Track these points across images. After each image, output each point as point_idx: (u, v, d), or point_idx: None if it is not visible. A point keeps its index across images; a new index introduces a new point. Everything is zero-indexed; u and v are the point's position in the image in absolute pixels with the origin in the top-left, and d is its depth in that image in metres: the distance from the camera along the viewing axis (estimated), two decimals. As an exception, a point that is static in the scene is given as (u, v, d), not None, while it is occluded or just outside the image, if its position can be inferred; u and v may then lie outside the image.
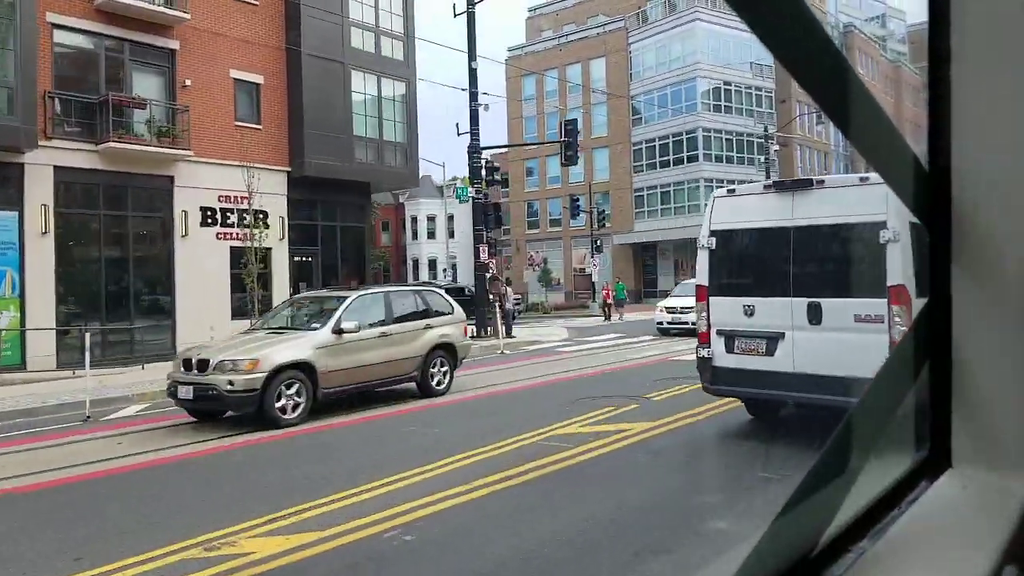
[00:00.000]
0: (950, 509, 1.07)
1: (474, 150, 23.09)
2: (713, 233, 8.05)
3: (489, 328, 23.63)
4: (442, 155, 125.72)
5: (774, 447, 8.11)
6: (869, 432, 0.99)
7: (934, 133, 1.08)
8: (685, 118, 47.74)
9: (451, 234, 61.17)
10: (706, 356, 8.12)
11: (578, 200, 42.16)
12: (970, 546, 0.99)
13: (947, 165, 1.07)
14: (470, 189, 23.07)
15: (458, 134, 23.44)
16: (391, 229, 68.02)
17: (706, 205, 8.32)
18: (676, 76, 48.63)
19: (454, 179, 46.88)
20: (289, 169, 22.94)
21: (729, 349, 7.97)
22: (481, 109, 22.90)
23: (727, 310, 7.97)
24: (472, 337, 23.33)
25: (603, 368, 15.87)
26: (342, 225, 24.69)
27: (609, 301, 35.34)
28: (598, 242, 43.74)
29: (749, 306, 7.80)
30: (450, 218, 61.72)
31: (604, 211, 45.36)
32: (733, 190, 8.38)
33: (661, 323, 22.95)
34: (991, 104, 1.04)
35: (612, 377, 14.44)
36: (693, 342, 9.00)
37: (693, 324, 10.10)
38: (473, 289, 32.40)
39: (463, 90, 23.40)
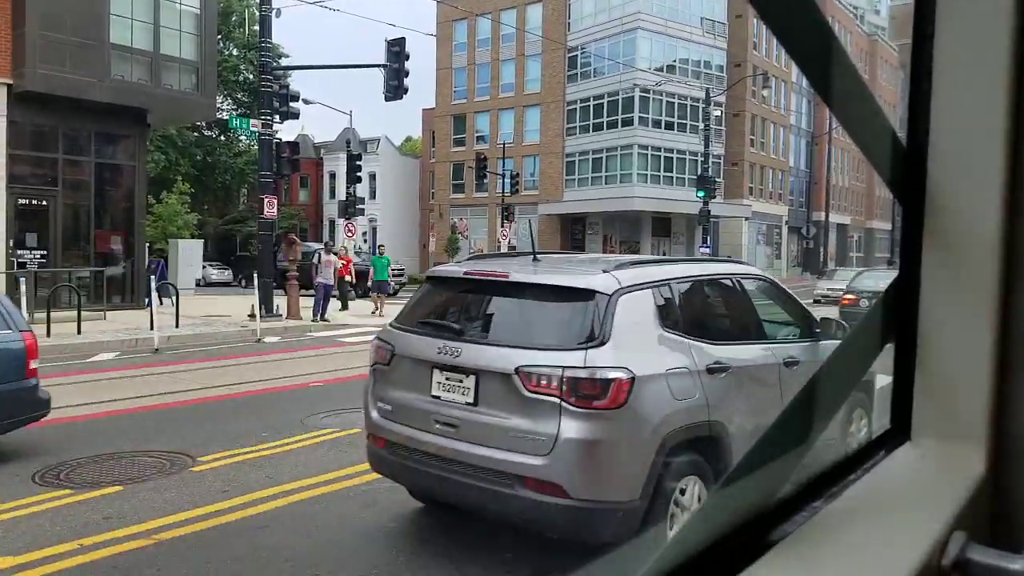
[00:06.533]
0: (905, 477, 1.08)
1: (265, 70, 17.43)
2: None
3: (279, 306, 18.18)
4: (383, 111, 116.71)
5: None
6: (830, 403, 0.98)
7: (914, 111, 1.08)
8: (622, 76, 42.02)
9: (372, 194, 55.31)
10: None
11: (485, 160, 36.47)
12: (921, 511, 0.99)
13: (924, 143, 1.07)
14: (253, 122, 17.39)
15: (248, 49, 17.74)
16: (310, 185, 61.90)
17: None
18: (615, 27, 42.82)
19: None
20: (9, 81, 17.17)
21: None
22: (273, 16, 17.17)
23: None
24: (250, 316, 18.06)
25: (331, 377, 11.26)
26: (99, 162, 18.90)
27: (348, 277, 21.16)
28: (508, 209, 38.29)
29: None
30: (372, 176, 55.83)
31: (517, 174, 39.70)
32: None
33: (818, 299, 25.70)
34: (971, 86, 1.04)
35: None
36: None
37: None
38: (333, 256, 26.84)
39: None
